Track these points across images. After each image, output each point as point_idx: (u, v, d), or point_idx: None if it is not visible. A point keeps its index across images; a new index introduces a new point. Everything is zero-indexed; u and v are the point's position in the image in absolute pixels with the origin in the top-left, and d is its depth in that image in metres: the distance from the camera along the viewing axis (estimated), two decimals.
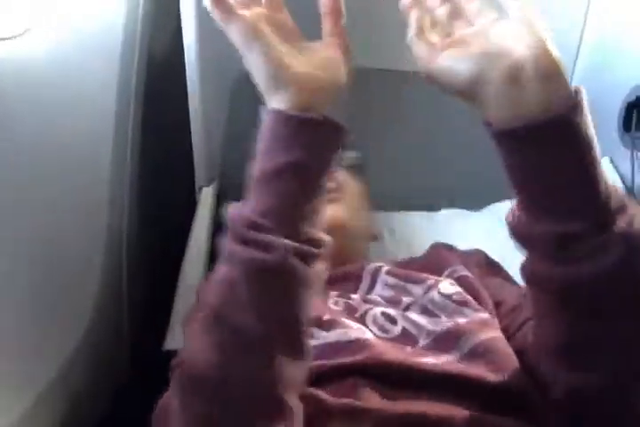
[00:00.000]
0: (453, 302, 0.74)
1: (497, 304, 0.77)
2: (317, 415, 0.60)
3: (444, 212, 1.23)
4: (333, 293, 0.77)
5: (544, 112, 0.51)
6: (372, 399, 0.61)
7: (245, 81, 1.19)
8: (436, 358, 0.66)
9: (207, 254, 1.03)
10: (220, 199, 1.09)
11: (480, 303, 0.76)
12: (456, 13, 0.58)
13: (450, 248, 0.94)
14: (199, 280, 0.99)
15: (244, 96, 1.16)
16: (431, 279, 0.79)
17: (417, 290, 0.78)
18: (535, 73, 0.51)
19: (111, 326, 0.90)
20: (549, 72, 0.51)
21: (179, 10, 0.82)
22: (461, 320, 0.71)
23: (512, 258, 1.00)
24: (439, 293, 0.76)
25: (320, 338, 0.69)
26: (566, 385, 0.60)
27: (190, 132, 0.97)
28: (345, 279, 0.81)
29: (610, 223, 0.52)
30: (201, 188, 1.07)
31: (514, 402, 0.63)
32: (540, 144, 0.52)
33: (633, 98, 1.04)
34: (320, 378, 0.64)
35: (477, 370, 0.64)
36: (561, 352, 0.59)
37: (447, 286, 0.77)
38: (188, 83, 0.88)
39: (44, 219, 0.69)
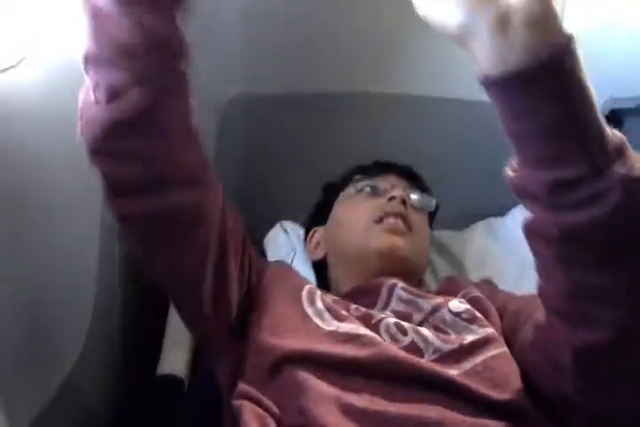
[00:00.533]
0: (463, 320, 0.77)
1: (502, 317, 0.81)
2: (317, 407, 0.64)
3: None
4: (353, 305, 0.80)
5: (531, 58, 0.50)
6: (373, 399, 0.65)
7: (235, 105, 1.21)
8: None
9: None
10: None
11: (489, 319, 0.79)
12: None
13: (461, 278, 0.99)
14: None
15: (234, 119, 1.19)
16: (440, 298, 0.82)
17: (426, 305, 0.80)
18: (523, 19, 0.50)
19: (104, 353, 0.90)
20: (538, 17, 0.50)
21: None
22: (468, 337, 0.74)
23: (511, 273, 1.04)
24: (449, 311, 0.79)
25: (331, 325, 0.73)
26: (574, 350, 0.60)
27: None
28: (365, 294, 0.84)
29: (607, 168, 0.51)
30: None
31: (510, 412, 0.65)
32: (528, 90, 0.51)
33: (607, 111, 1.06)
34: (326, 368, 0.68)
35: (476, 384, 0.67)
36: (567, 310, 0.60)
37: (457, 304, 0.80)
38: None
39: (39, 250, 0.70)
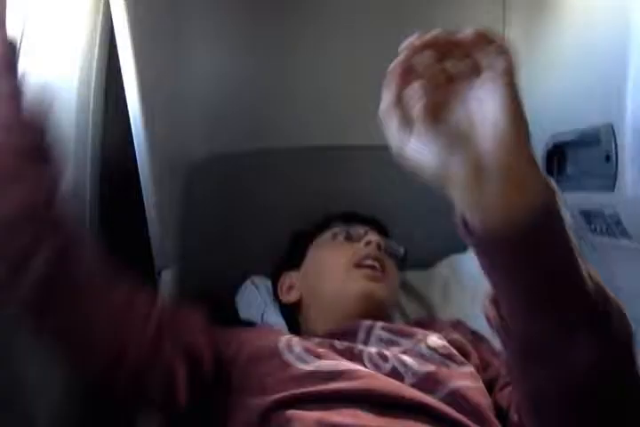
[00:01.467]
0: (440, 354, 0.81)
1: (485, 366, 0.85)
2: None
3: None
4: (337, 341, 0.83)
5: (507, 220, 0.47)
6: (356, 416, 0.67)
7: (198, 168, 1.25)
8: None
9: None
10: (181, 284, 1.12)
11: (468, 360, 0.83)
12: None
13: (434, 319, 1.04)
14: None
15: (197, 182, 1.23)
16: (420, 334, 0.86)
17: (406, 343, 0.84)
18: (496, 175, 0.47)
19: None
20: (512, 173, 0.47)
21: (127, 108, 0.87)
22: (444, 369, 0.78)
23: (475, 307, 1.08)
24: (427, 346, 0.82)
25: (313, 364, 0.75)
26: None
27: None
28: (343, 335, 0.87)
29: (580, 327, 0.50)
30: (159, 273, 1.09)
31: None
32: (500, 251, 0.49)
33: (551, 146, 1.12)
34: (311, 402, 0.70)
35: (452, 410, 0.70)
36: (525, 409, 0.64)
37: (435, 339, 0.84)
38: (140, 172, 0.92)
39: None
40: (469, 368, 0.80)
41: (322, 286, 0.98)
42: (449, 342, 0.85)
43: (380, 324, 0.88)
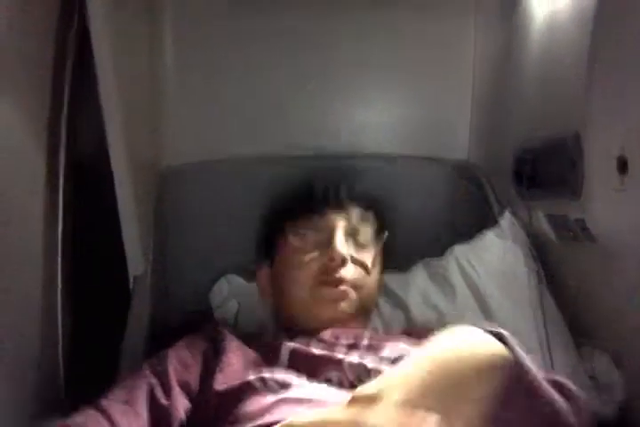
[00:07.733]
0: None
1: None
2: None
3: None
4: (314, 347, 0.86)
5: None
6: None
7: (170, 175, 1.25)
8: None
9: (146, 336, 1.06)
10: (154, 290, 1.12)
11: None
12: None
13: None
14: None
15: (172, 189, 1.24)
16: (404, 343, 0.88)
17: (391, 351, 0.85)
18: None
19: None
20: None
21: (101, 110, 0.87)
22: None
23: (449, 310, 1.09)
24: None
25: (281, 394, 0.76)
26: None
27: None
28: (326, 342, 0.89)
29: None
30: (133, 279, 1.09)
31: None
32: None
33: (520, 153, 1.14)
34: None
35: None
36: None
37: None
38: (115, 177, 0.92)
39: None
40: None
41: (292, 294, 0.98)
42: None
43: (365, 340, 0.88)
